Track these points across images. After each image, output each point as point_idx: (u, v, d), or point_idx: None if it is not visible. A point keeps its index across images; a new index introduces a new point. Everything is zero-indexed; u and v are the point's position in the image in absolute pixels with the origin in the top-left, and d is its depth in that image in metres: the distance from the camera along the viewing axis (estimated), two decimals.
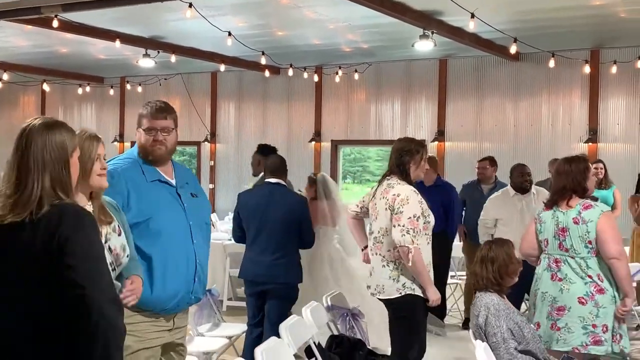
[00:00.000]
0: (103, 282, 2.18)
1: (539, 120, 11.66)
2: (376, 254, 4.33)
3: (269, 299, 5.19)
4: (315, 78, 13.09)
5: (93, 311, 2.09)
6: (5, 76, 14.00)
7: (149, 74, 14.13)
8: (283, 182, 5.32)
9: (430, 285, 4.20)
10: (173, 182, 3.33)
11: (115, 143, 15.36)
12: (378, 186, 4.39)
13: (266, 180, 5.35)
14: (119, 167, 3.23)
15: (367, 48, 11.52)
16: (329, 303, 4.72)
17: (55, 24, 8.66)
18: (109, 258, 2.53)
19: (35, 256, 2.14)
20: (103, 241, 2.52)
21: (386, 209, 4.21)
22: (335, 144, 13.55)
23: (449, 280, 7.54)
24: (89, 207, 2.58)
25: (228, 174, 14.51)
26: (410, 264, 4.07)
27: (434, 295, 4.21)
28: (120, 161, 3.31)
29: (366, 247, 4.54)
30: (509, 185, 6.76)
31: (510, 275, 3.94)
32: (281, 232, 5.14)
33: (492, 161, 7.74)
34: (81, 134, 2.62)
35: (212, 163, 14.63)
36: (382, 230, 4.26)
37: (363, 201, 4.59)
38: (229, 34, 9.75)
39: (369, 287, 4.44)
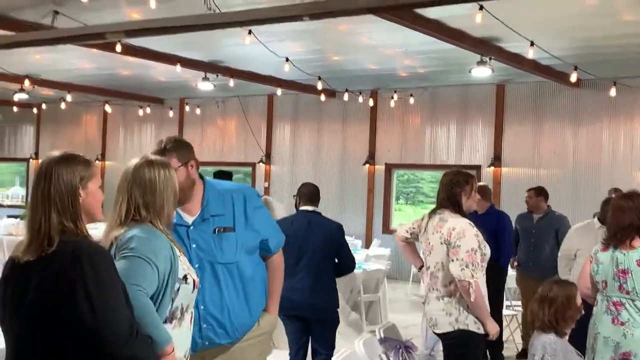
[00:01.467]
0: (115, 319, 2.15)
1: (598, 147, 11.40)
2: (432, 288, 4.29)
3: (314, 327, 5.23)
4: (371, 102, 13.11)
5: (106, 348, 2.11)
6: (69, 97, 14.46)
7: (208, 96, 14.39)
8: (318, 210, 5.38)
9: (489, 319, 4.14)
10: (189, 220, 3.15)
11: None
12: (429, 220, 4.36)
13: (302, 208, 5.39)
14: None
15: (424, 73, 11.50)
16: (382, 335, 4.69)
17: (118, 48, 8.92)
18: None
19: (48, 295, 2.16)
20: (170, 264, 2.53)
21: (441, 243, 4.17)
22: (389, 167, 13.52)
23: (505, 312, 7.39)
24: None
25: (282, 195, 14.61)
26: (472, 299, 4.02)
27: (493, 329, 4.14)
28: None
29: (422, 266, 4.52)
30: (596, 217, 6.44)
31: (567, 321, 3.80)
32: (320, 258, 5.20)
33: (538, 191, 7.55)
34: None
35: (266, 184, 14.76)
36: (438, 264, 4.22)
37: (413, 228, 4.57)
38: (287, 59, 9.88)
39: (427, 319, 4.40)
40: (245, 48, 9.19)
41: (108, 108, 15.89)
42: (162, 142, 3.15)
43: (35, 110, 17.66)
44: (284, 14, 6.01)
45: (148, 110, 15.76)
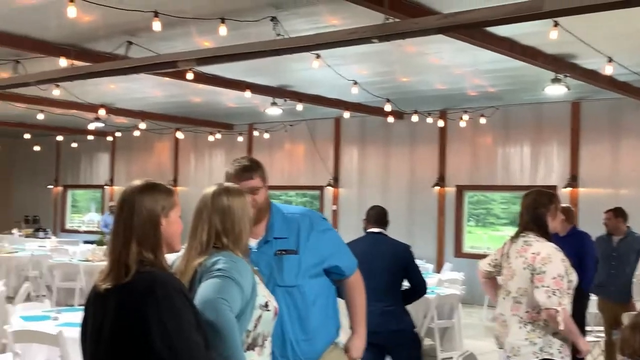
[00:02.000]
0: (186, 353, 2.12)
1: None
2: (514, 314, 4.10)
3: (394, 354, 5.12)
4: (440, 123, 12.93)
5: None
6: (143, 125, 14.82)
7: (275, 120, 14.50)
8: (385, 232, 5.29)
9: (580, 338, 4.00)
10: (253, 243, 3.08)
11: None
12: (512, 244, 4.18)
13: (369, 230, 5.33)
14: None
15: (494, 92, 11.27)
16: None
17: (189, 76, 9.08)
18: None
19: (122, 324, 2.15)
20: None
21: (524, 268, 3.99)
22: (460, 189, 13.26)
23: (587, 338, 7.07)
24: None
25: (350, 218, 14.52)
26: (561, 328, 3.84)
27: (584, 346, 4.00)
28: None
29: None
30: None
31: None
32: (388, 280, 5.11)
33: (617, 212, 7.29)
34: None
35: (334, 207, 14.71)
36: (520, 290, 4.04)
37: (495, 259, 4.38)
38: (355, 82, 9.86)
39: (502, 348, 4.21)
40: (312, 72, 9.22)
41: (180, 135, 16.21)
42: (241, 161, 3.13)
43: (109, 138, 18.21)
44: (352, 37, 5.98)
45: (218, 136, 16.01)
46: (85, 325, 2.32)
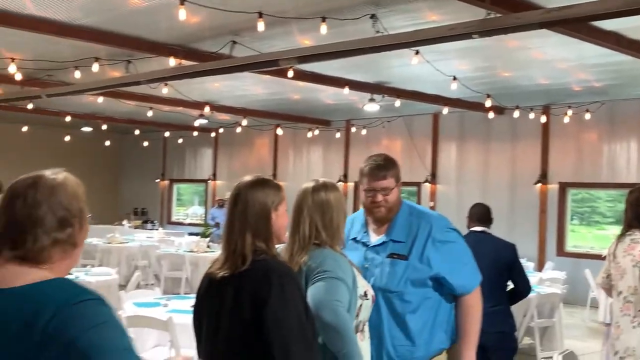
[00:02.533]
0: (297, 345, 2.23)
1: None
2: (625, 314, 4.01)
3: (489, 350, 5.04)
4: (542, 118, 12.62)
5: None
6: (245, 122, 15.25)
7: (373, 116, 14.57)
8: (488, 231, 5.18)
9: None
10: (372, 240, 3.13)
11: (340, 183, 15.98)
12: (618, 243, 4.09)
13: (471, 229, 5.23)
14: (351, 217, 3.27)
15: (600, 86, 10.90)
16: None
17: (290, 74, 9.30)
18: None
19: (241, 308, 2.28)
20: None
21: (633, 266, 3.91)
22: (563, 186, 12.90)
23: None
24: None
25: (448, 215, 14.31)
26: None
27: None
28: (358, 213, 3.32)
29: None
30: None
31: None
32: (490, 279, 4.97)
33: None
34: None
35: (432, 204, 14.63)
36: (630, 289, 3.96)
37: (607, 268, 4.28)
38: (454, 78, 9.79)
39: (616, 352, 4.10)
40: (411, 68, 9.23)
41: (279, 131, 16.57)
42: (376, 159, 3.11)
43: (213, 134, 18.83)
44: (453, 33, 5.98)
45: (316, 132, 16.25)
46: (200, 311, 2.48)
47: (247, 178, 2.48)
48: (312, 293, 2.54)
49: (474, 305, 3.18)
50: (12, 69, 9.49)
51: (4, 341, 1.48)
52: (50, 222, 1.60)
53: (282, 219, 2.47)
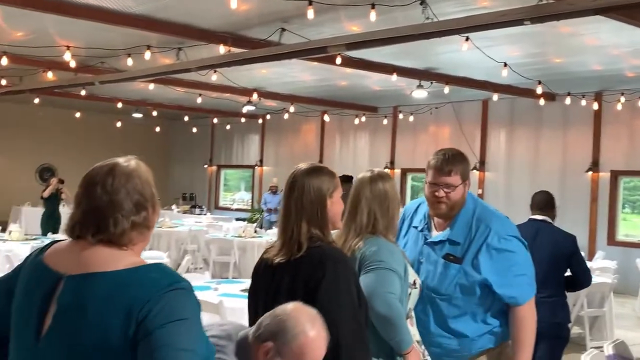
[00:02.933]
0: (347, 328, 2.28)
1: None
2: None
3: (542, 339, 4.99)
4: (595, 105, 12.37)
5: (341, 355, 2.22)
6: (292, 108, 15.32)
7: (421, 103, 14.48)
8: (549, 220, 5.10)
9: None
10: (432, 235, 3.09)
11: (387, 170, 15.95)
12: None
13: (531, 217, 5.16)
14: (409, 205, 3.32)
15: None
16: (612, 352, 4.41)
17: (338, 60, 9.30)
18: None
19: (297, 293, 2.31)
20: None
21: None
22: (615, 175, 12.64)
23: None
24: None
25: (497, 203, 14.23)
26: None
27: None
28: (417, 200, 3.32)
29: None
30: None
31: None
32: (547, 269, 4.90)
33: None
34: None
35: (480, 191, 14.49)
36: None
37: None
38: (505, 64, 9.67)
39: None
40: (460, 54, 9.14)
41: (326, 117, 16.60)
42: (446, 152, 3.02)
43: (260, 121, 18.97)
44: (504, 19, 5.91)
45: (363, 119, 16.22)
46: (255, 297, 2.54)
47: (303, 165, 2.52)
48: (366, 283, 2.58)
49: (527, 317, 3.05)
50: (67, 56, 9.73)
51: (104, 321, 1.57)
52: (128, 206, 1.69)
53: (337, 206, 2.51)
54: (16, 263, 7.37)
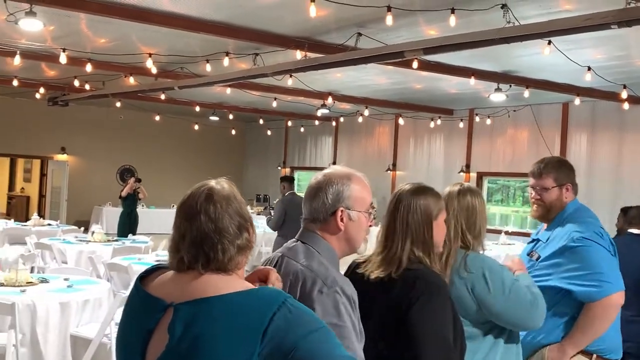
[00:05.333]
0: (436, 346, 2.24)
1: None
2: None
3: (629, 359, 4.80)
4: None
5: None
6: (366, 112, 15.28)
7: (498, 106, 14.19)
8: None
9: None
10: (539, 234, 3.33)
11: (462, 174, 15.71)
12: None
13: (630, 231, 4.94)
14: None
15: None
16: None
17: (415, 64, 9.21)
18: None
19: (389, 312, 2.29)
20: None
21: None
22: None
23: None
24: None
25: None
26: None
27: None
28: None
29: None
30: None
31: None
32: (636, 287, 4.70)
33: None
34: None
35: None
36: None
37: None
38: (589, 68, 9.37)
39: None
40: (541, 57, 8.90)
41: (401, 120, 16.48)
42: (542, 160, 3.28)
43: (333, 123, 19.01)
44: (589, 24, 5.71)
45: (439, 122, 16.02)
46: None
47: (407, 185, 2.51)
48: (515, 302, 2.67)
49: (599, 316, 3.06)
50: (149, 63, 9.98)
51: (225, 346, 1.53)
52: (232, 231, 1.68)
53: (441, 229, 2.48)
54: (99, 265, 7.63)
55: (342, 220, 2.13)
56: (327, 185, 2.15)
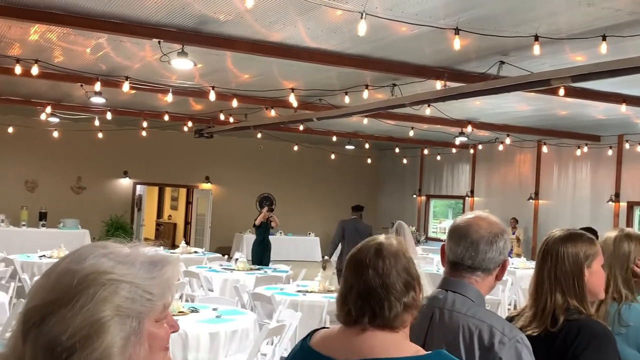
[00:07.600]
0: None
1: None
2: None
3: None
4: None
5: None
6: (508, 140, 14.86)
7: None
8: None
9: None
10: None
11: (610, 203, 14.86)
12: None
13: None
14: None
15: None
16: None
17: (561, 92, 8.86)
18: None
19: None
20: None
21: None
22: None
23: None
24: None
25: None
26: None
27: None
28: None
29: None
30: None
31: None
32: None
33: None
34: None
35: None
36: None
37: None
38: None
39: None
40: None
41: (544, 148, 15.89)
42: None
43: (471, 151, 18.64)
44: None
45: (585, 149, 15.29)
46: None
47: (557, 232, 2.38)
48: None
49: None
50: (291, 98, 10.28)
51: None
52: (399, 287, 1.67)
53: (597, 276, 2.32)
54: (243, 294, 7.86)
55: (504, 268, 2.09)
56: (501, 235, 2.10)
